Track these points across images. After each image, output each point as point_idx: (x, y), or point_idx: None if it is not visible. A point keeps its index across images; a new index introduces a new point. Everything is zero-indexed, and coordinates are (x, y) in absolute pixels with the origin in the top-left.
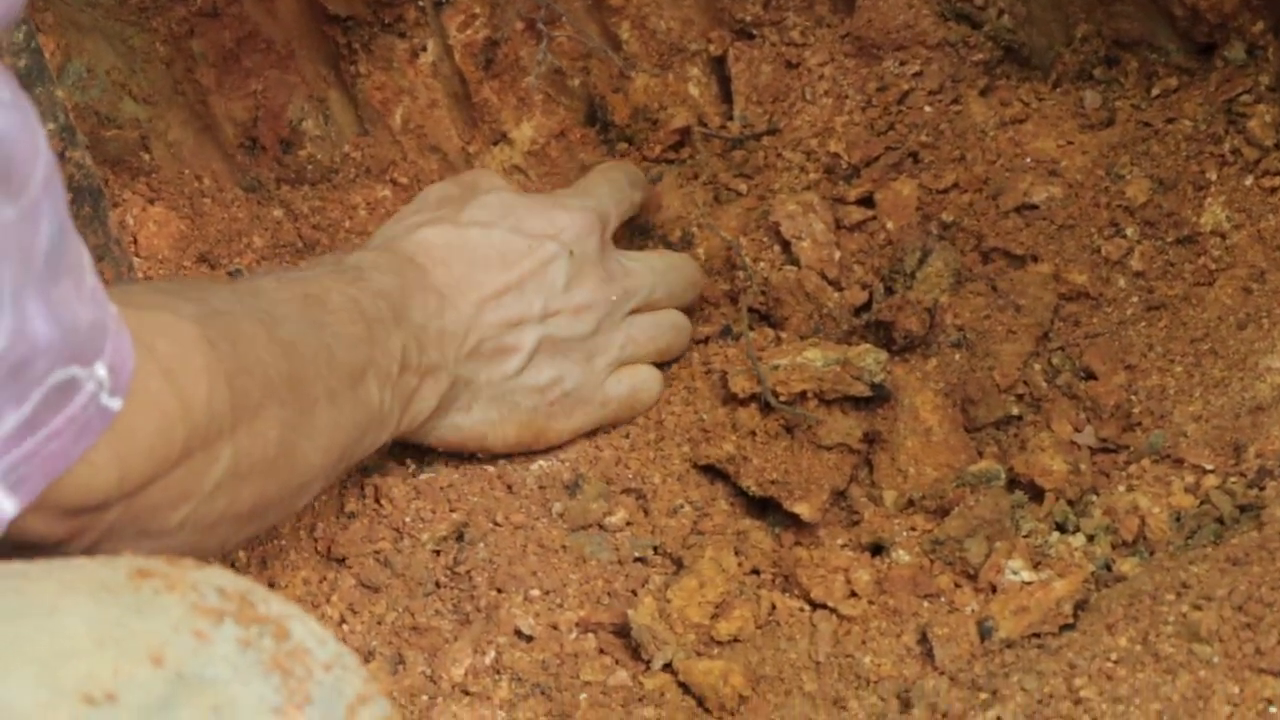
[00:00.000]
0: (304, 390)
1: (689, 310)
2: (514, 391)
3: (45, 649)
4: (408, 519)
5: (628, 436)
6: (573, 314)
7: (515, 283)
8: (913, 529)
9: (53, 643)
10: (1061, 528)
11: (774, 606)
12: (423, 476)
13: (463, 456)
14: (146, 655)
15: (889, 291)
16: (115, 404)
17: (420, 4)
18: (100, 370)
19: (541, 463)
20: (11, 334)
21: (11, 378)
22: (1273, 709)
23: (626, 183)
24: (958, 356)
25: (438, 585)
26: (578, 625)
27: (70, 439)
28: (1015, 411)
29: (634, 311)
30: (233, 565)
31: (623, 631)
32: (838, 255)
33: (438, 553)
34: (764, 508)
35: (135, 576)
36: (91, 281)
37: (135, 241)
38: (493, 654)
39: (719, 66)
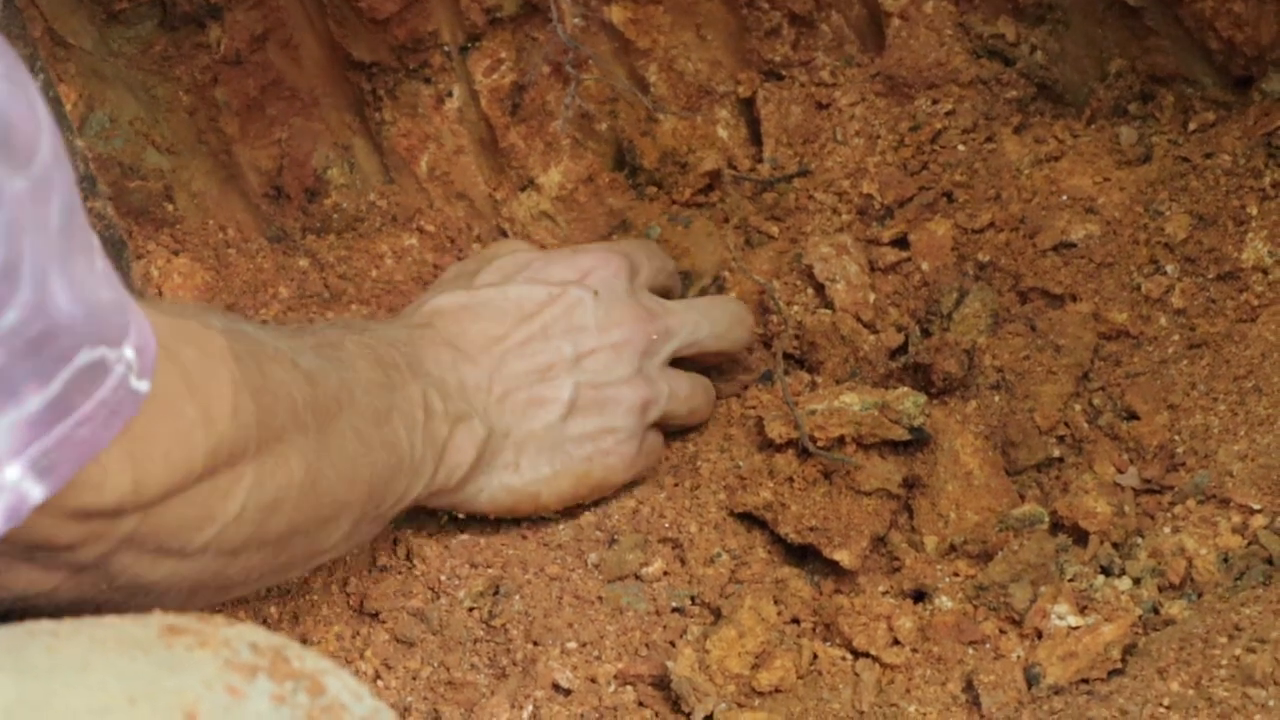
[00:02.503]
0: (328, 420)
1: (744, 352)
2: (563, 442)
3: (78, 706)
4: (443, 577)
5: (662, 486)
6: (611, 353)
7: (539, 332)
8: (955, 574)
9: (86, 700)
10: (1107, 571)
11: (815, 656)
12: (456, 540)
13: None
14: (180, 712)
15: (926, 333)
16: (144, 386)
17: (446, 49)
18: (129, 352)
19: (576, 514)
20: (30, 307)
21: (32, 353)
22: None
23: (656, 246)
24: (997, 398)
25: (473, 639)
26: (616, 678)
27: (101, 424)
28: (1057, 453)
29: (680, 357)
30: (264, 622)
31: (662, 683)
32: (873, 297)
33: (472, 609)
34: (803, 555)
35: (166, 633)
36: (102, 264)
37: (160, 294)
38: (530, 708)
39: (748, 108)
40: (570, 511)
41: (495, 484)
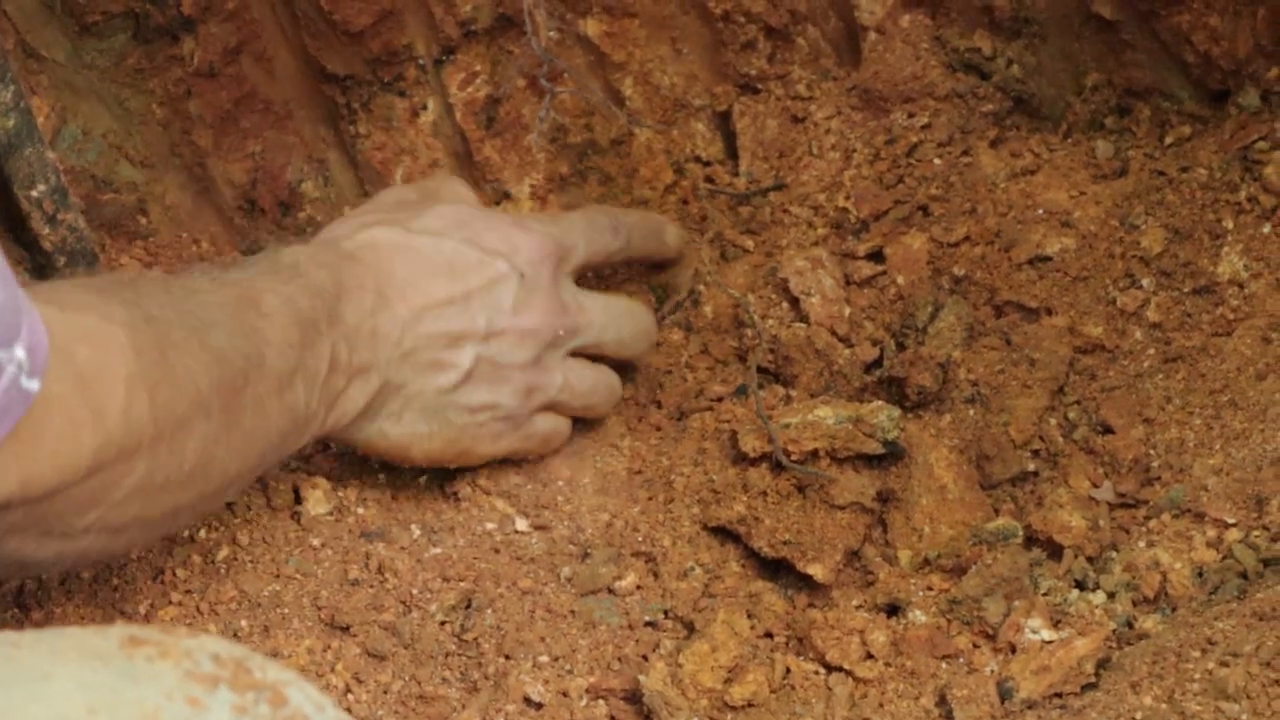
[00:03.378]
0: (231, 400)
1: (637, 362)
2: (447, 408)
3: (39, 716)
4: (415, 591)
5: (636, 500)
6: (517, 338)
7: (460, 295)
8: (929, 588)
9: (46, 710)
10: (1081, 585)
11: (788, 670)
12: (428, 554)
13: (470, 529)
14: None
15: (900, 347)
16: (34, 386)
17: (420, 62)
18: (19, 352)
19: (550, 528)
20: None
21: None
22: None
23: (607, 225)
24: (972, 412)
25: (445, 653)
26: (588, 692)
27: None
28: (1031, 467)
29: (580, 351)
30: (235, 635)
31: (634, 697)
32: (847, 311)
33: (444, 623)
34: (776, 569)
35: (127, 644)
36: None
37: None
38: None
39: (724, 121)
40: (543, 525)
41: (374, 429)
